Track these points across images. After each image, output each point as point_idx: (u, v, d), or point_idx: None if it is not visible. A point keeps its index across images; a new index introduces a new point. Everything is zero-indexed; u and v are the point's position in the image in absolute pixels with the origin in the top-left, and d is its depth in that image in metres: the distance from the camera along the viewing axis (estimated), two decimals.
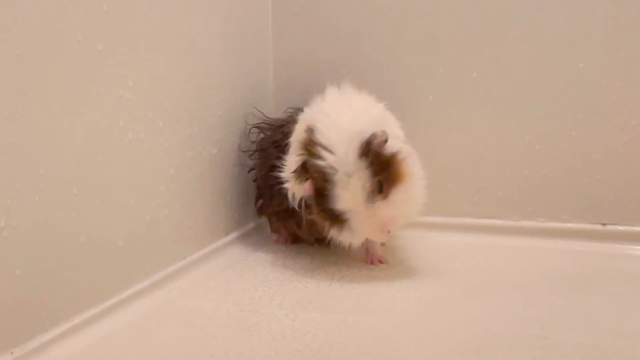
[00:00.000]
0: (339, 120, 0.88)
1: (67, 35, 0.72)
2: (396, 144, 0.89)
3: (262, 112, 1.10)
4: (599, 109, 1.05)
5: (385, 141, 0.87)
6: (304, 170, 0.89)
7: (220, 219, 1.06)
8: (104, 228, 0.80)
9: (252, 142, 1.09)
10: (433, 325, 0.77)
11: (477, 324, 0.77)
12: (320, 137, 0.87)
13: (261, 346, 0.72)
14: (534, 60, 1.08)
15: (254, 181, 1.08)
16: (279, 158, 0.97)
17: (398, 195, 0.87)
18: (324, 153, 0.86)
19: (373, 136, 0.86)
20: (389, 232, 0.88)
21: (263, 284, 0.92)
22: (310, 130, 0.89)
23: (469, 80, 1.11)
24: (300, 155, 0.90)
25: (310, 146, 0.88)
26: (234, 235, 1.09)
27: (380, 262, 0.99)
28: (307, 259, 1.02)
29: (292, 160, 0.93)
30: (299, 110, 1.00)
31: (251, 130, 1.09)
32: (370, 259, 0.99)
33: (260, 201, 1.07)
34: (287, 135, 0.99)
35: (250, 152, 1.08)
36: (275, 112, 1.20)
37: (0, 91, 0.64)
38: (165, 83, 0.90)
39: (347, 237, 0.90)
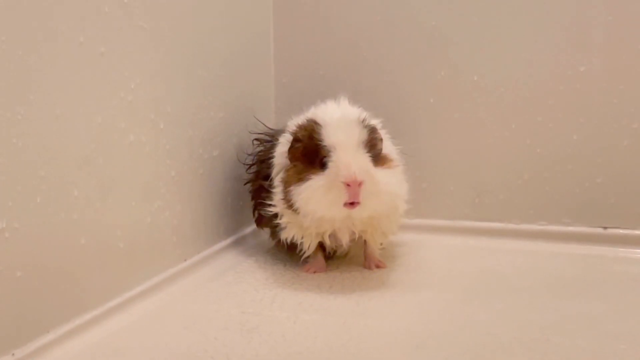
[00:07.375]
0: (340, 110, 0.92)
1: (69, 37, 0.73)
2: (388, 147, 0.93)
3: (262, 123, 1.07)
4: (600, 112, 1.05)
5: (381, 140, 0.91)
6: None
7: (222, 221, 1.06)
8: (105, 230, 0.80)
9: (249, 154, 1.06)
10: (433, 328, 0.77)
11: (477, 327, 0.77)
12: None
13: (262, 348, 0.72)
14: (535, 63, 1.08)
15: (250, 192, 1.06)
16: (269, 174, 0.97)
17: (381, 173, 0.88)
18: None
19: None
20: (352, 204, 0.86)
21: (264, 286, 0.92)
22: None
23: (470, 83, 1.11)
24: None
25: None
26: (235, 237, 1.09)
27: (378, 266, 0.99)
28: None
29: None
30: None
31: (253, 142, 1.05)
32: (369, 264, 0.99)
33: (257, 213, 1.05)
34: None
35: (248, 165, 1.05)
36: (276, 116, 1.20)
37: (1, 92, 0.64)
38: (166, 85, 0.90)
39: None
